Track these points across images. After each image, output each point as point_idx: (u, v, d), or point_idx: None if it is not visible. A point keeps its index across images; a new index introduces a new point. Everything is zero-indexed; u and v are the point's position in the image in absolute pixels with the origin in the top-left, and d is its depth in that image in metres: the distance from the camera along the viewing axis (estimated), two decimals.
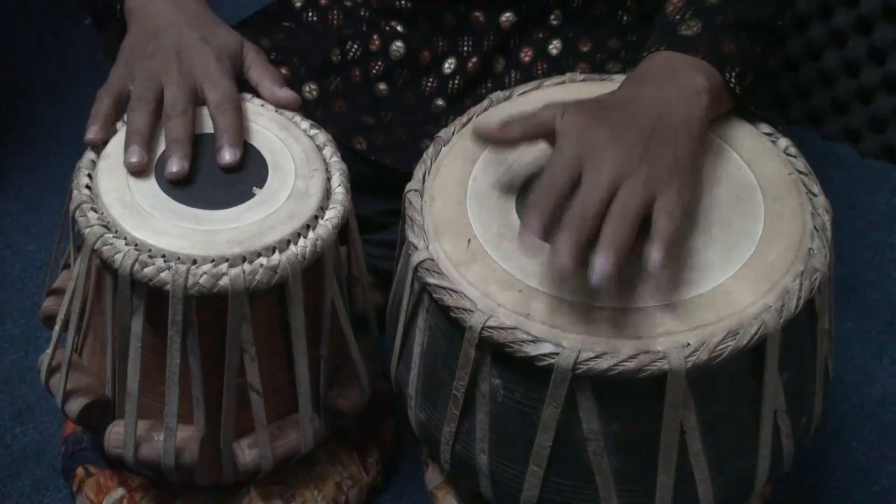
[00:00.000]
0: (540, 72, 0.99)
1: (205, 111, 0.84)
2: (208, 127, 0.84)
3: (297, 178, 0.81)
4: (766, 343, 0.69)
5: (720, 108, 0.79)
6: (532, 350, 0.68)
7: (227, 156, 0.80)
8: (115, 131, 0.83)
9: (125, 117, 0.85)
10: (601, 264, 0.65)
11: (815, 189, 0.77)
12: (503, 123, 0.75)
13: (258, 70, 0.88)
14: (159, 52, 0.83)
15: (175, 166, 0.79)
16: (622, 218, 0.67)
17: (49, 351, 0.87)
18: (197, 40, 0.84)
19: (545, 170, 0.69)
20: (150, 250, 0.75)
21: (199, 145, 0.82)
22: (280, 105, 0.87)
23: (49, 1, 1.65)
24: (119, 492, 0.92)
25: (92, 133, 0.82)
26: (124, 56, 0.85)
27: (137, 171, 0.79)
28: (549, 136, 0.73)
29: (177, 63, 0.83)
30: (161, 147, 0.82)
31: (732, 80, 0.78)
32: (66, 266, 0.91)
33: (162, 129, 0.82)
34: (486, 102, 0.86)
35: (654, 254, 0.66)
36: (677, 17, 0.81)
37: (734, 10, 0.80)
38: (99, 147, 0.82)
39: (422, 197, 0.78)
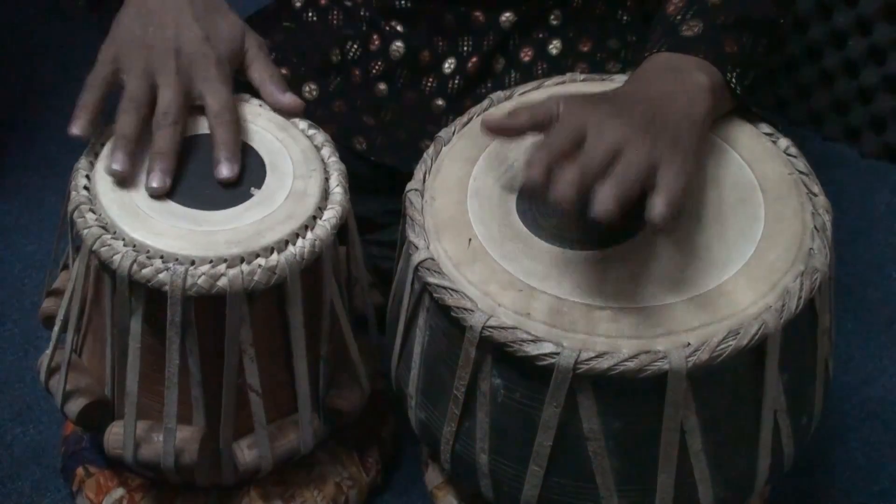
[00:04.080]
0: (540, 72, 0.98)
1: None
2: (207, 128, 0.83)
3: (296, 178, 0.81)
4: (767, 343, 0.69)
5: (722, 108, 0.79)
6: (533, 350, 0.67)
7: (225, 171, 0.79)
8: (99, 124, 0.81)
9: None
10: (604, 195, 0.63)
11: (816, 189, 0.77)
12: (510, 113, 0.74)
13: (260, 70, 0.86)
14: (157, 46, 0.81)
15: (155, 181, 0.77)
16: (626, 170, 0.65)
17: (48, 352, 0.86)
18: (199, 39, 0.82)
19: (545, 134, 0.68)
20: (148, 251, 0.75)
21: (198, 146, 0.82)
22: (283, 111, 0.86)
23: (49, 1, 1.65)
24: (119, 492, 0.92)
25: (77, 128, 0.80)
26: (118, 35, 0.82)
27: (120, 180, 0.78)
28: (554, 119, 0.71)
29: (175, 63, 0.81)
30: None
31: (733, 80, 0.78)
32: (66, 266, 0.91)
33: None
34: (486, 102, 0.86)
35: (659, 202, 0.65)
36: (678, 17, 0.81)
37: (736, 9, 0.80)
38: (89, 139, 0.81)
39: (422, 196, 0.78)
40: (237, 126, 0.82)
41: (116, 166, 0.78)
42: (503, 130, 0.74)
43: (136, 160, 0.79)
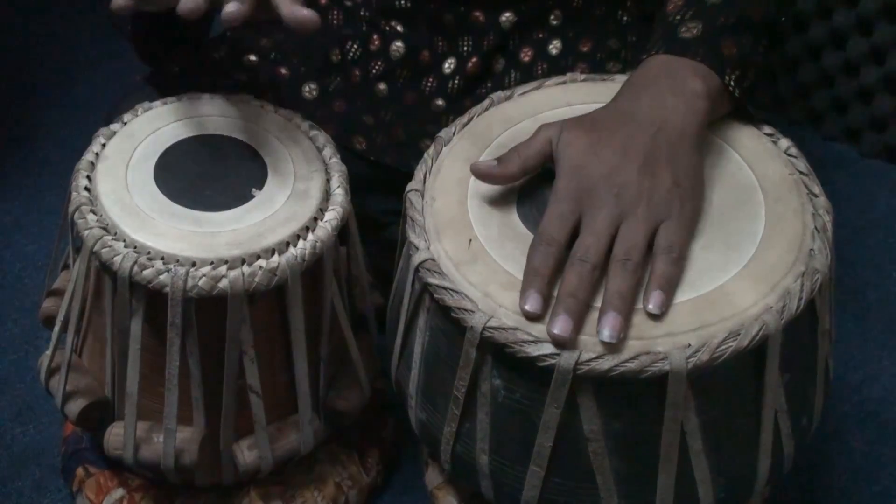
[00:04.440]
0: (540, 72, 0.98)
1: (206, 110, 0.83)
2: (210, 128, 0.83)
3: (297, 179, 0.81)
4: (767, 344, 0.69)
5: (719, 111, 0.79)
6: (533, 351, 0.67)
7: (231, 6, 0.75)
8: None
9: (126, 117, 0.85)
10: (610, 326, 0.67)
11: (816, 189, 0.77)
12: (500, 158, 0.76)
13: None
14: None
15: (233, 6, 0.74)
16: (623, 267, 0.69)
17: (49, 352, 0.86)
18: None
19: (543, 218, 0.71)
20: (149, 252, 0.75)
21: (200, 147, 0.82)
22: (298, 24, 0.79)
23: (49, 1, 1.65)
24: (119, 492, 0.92)
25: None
26: None
27: None
28: (548, 160, 0.75)
29: None
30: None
31: (732, 83, 0.78)
32: (66, 266, 0.91)
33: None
34: (486, 102, 0.85)
35: (650, 306, 0.68)
36: (678, 17, 0.80)
37: (736, 9, 0.80)
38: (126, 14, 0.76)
39: (423, 197, 0.78)
40: None
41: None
42: (494, 179, 0.76)
43: None
